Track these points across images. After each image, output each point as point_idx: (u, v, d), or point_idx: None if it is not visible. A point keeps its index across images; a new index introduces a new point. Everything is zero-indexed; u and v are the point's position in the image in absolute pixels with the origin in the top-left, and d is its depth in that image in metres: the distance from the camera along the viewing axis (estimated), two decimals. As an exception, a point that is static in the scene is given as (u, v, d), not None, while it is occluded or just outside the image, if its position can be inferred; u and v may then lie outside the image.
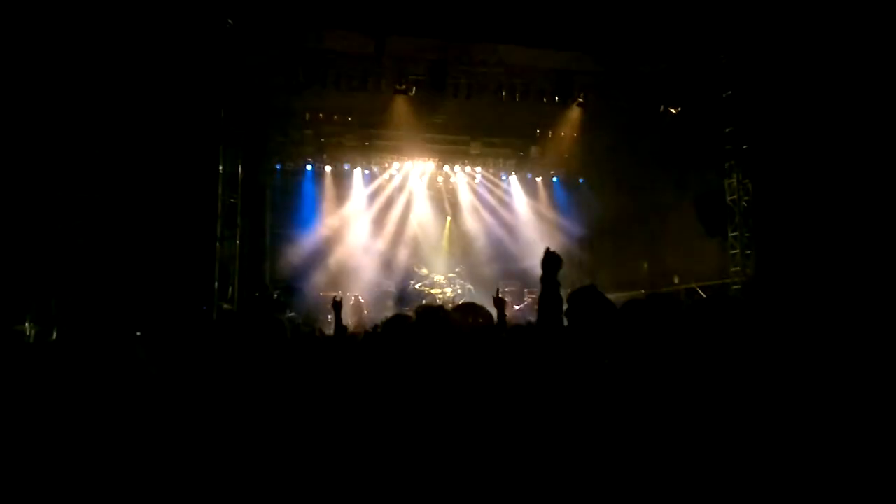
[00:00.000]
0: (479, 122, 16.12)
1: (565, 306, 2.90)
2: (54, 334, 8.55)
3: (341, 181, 17.32)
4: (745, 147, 13.27)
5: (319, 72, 12.50)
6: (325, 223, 16.78)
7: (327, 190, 17.05)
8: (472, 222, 19.45)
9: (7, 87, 9.39)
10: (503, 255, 17.93)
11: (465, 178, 19.10)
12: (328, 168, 17.15)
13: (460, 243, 18.90)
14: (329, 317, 15.63)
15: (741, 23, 11.29)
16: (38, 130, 9.83)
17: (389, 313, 12.88)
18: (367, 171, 17.64)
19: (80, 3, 9.74)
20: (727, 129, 13.67)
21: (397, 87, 13.03)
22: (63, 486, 1.21)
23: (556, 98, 13.80)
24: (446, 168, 18.60)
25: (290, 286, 15.20)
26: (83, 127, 10.31)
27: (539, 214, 18.61)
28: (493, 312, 3.73)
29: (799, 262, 10.72)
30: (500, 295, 4.70)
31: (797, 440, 1.49)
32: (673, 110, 14.06)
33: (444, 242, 19.18)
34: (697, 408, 1.65)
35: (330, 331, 10.70)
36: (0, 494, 1.16)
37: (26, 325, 8.46)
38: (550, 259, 2.99)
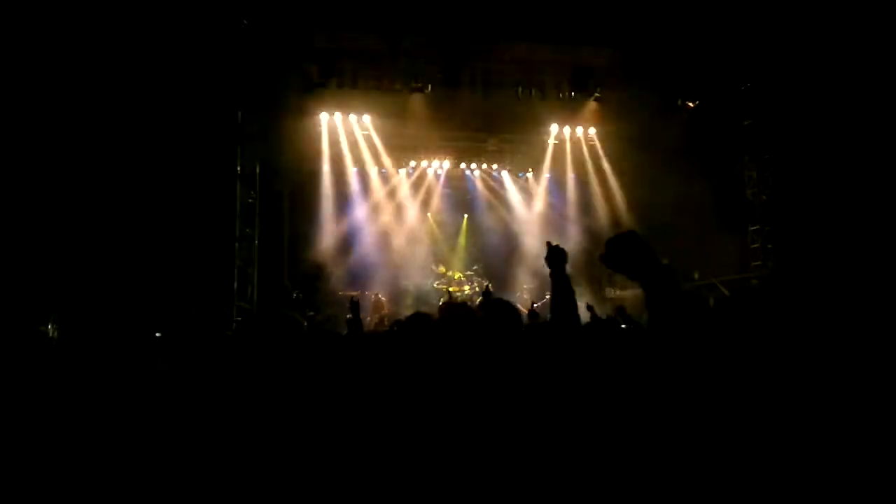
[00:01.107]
0: (496, 119, 16.06)
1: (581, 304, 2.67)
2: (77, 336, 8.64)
3: (359, 180, 17.32)
4: (764, 140, 13.14)
5: (335, 71, 12.52)
6: (344, 222, 16.81)
7: (346, 189, 17.05)
8: (490, 220, 19.42)
9: (28, 89, 9.50)
10: (521, 253, 17.88)
11: (481, 176, 19.07)
12: (346, 167, 17.15)
13: (478, 241, 18.87)
14: (349, 316, 15.67)
15: (759, 14, 11.16)
16: (61, 133, 9.94)
17: (408, 311, 12.91)
18: (384, 170, 17.64)
19: (103, 6, 9.83)
20: (746, 122, 13.54)
21: (413, 84, 13.02)
22: (82, 481, 1.22)
23: (573, 93, 13.72)
24: (463, 166, 18.56)
25: (310, 286, 15.26)
26: (105, 130, 10.41)
27: (556, 211, 18.54)
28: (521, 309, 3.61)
29: (820, 256, 10.60)
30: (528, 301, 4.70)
31: (828, 439, 1.46)
32: (691, 104, 13.93)
33: (462, 240, 19.17)
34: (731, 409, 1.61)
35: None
36: (22, 489, 1.18)
37: (49, 326, 8.56)
38: (554, 253, 2.75)
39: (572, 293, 2.57)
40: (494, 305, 3.26)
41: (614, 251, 2.15)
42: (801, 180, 11.66)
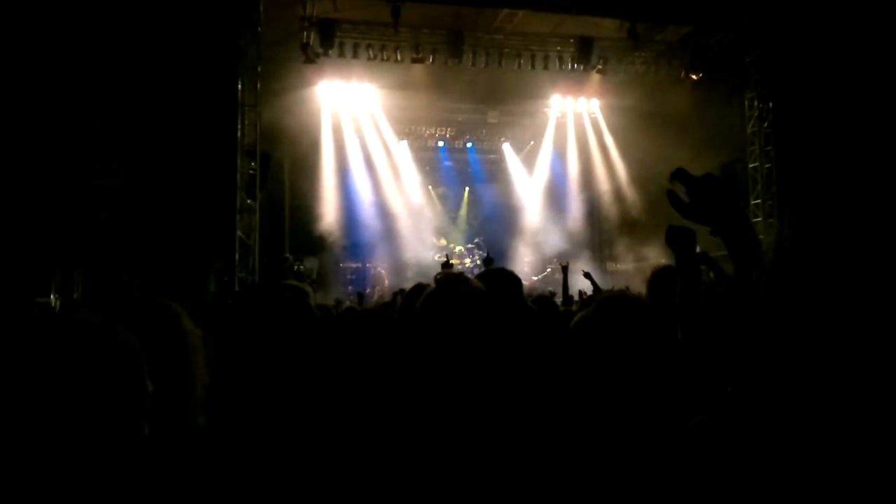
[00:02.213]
0: (498, 91, 15.95)
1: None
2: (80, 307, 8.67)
3: (360, 151, 17.24)
4: (767, 114, 13.07)
5: (336, 41, 12.39)
6: (344, 194, 16.78)
7: (346, 160, 16.98)
8: (491, 192, 19.39)
9: (33, 66, 9.44)
10: (521, 226, 17.87)
11: (483, 148, 18.99)
12: (347, 139, 17.06)
13: (479, 214, 18.86)
14: (350, 288, 15.76)
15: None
16: (61, 106, 9.89)
17: (409, 284, 12.95)
18: (385, 141, 17.56)
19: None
20: (749, 95, 13.45)
21: (414, 56, 12.90)
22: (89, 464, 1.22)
23: (576, 65, 13.59)
24: (466, 137, 18.48)
25: (311, 257, 15.29)
26: (104, 100, 10.35)
27: (557, 185, 18.49)
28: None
29: (826, 232, 10.57)
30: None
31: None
32: (694, 76, 13.82)
33: (463, 213, 19.15)
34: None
35: (348, 302, 10.79)
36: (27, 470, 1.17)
37: (51, 296, 8.58)
38: (677, 235, 2.22)
39: (700, 285, 2.13)
40: (494, 275, 3.11)
41: (698, 196, 1.70)
42: (805, 153, 11.60)
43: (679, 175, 1.75)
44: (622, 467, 2.01)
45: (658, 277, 3.19)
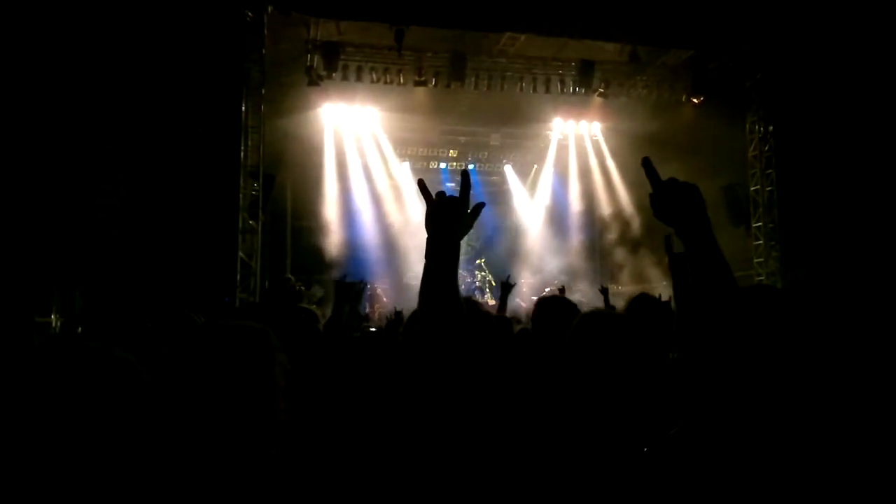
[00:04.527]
0: (500, 114, 16.03)
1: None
2: (79, 328, 8.66)
3: (363, 174, 17.29)
4: (768, 137, 13.12)
5: (339, 63, 12.49)
6: (346, 215, 16.81)
7: (348, 182, 17.03)
8: (493, 214, 19.40)
9: (36, 83, 9.50)
10: (524, 248, 17.89)
11: (485, 170, 19.06)
12: (349, 161, 17.12)
13: (480, 235, 18.86)
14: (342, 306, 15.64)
15: (764, 10, 11.11)
16: (63, 122, 9.94)
17: (410, 305, 12.91)
18: (388, 164, 17.61)
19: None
20: (750, 119, 13.52)
21: (417, 78, 12.98)
22: (80, 478, 1.21)
23: (578, 89, 13.66)
24: (468, 159, 18.54)
25: (312, 278, 15.27)
26: (106, 120, 10.41)
27: (558, 207, 18.53)
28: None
29: (824, 254, 10.58)
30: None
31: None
32: (695, 100, 13.88)
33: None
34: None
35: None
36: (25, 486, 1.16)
37: (52, 317, 8.58)
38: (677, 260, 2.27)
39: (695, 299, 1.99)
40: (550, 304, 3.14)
41: (670, 195, 1.73)
42: (806, 177, 11.63)
43: (646, 164, 1.78)
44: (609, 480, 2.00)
45: (634, 305, 3.27)
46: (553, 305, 3.10)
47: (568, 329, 2.33)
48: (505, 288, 5.38)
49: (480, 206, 2.05)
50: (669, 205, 1.72)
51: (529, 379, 2.23)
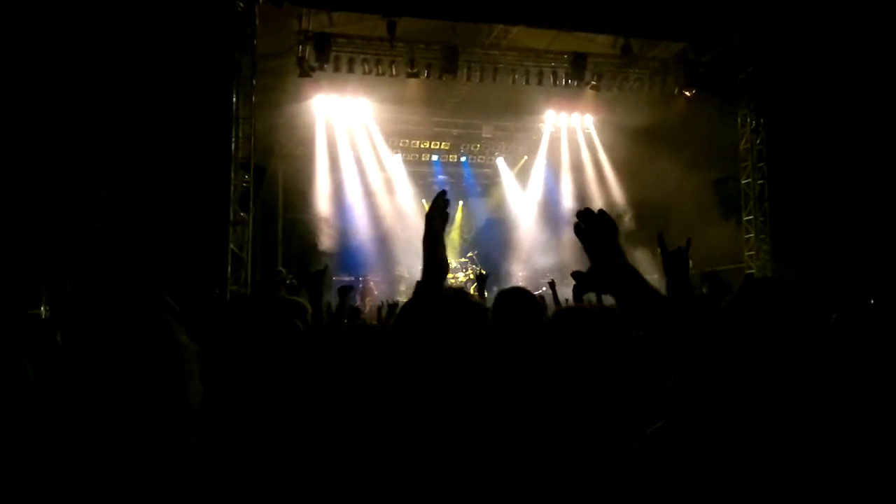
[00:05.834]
0: (492, 106, 16.00)
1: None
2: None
3: (355, 166, 17.23)
4: (760, 130, 13.16)
5: (331, 55, 12.43)
6: (338, 207, 16.77)
7: (340, 174, 16.98)
8: (485, 207, 19.42)
9: (26, 76, 9.42)
10: (516, 241, 17.89)
11: (477, 162, 19.03)
12: (341, 152, 17.03)
13: (472, 228, 18.87)
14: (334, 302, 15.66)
15: (756, 3, 11.13)
16: (52, 114, 9.86)
17: (402, 298, 12.92)
18: (379, 156, 17.56)
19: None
20: (742, 112, 13.55)
21: (409, 70, 12.93)
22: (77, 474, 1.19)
23: (570, 81, 13.64)
24: (460, 151, 18.52)
25: (303, 271, 15.22)
26: (96, 111, 10.33)
27: (550, 200, 18.52)
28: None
29: (815, 247, 10.64)
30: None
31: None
32: (688, 93, 13.89)
33: (456, 227, 19.15)
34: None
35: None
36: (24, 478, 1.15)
37: (42, 308, 8.52)
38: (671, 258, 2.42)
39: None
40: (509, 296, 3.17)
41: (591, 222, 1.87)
42: (797, 170, 11.68)
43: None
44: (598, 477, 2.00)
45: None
46: (512, 298, 3.14)
47: (528, 321, 2.39)
48: (480, 280, 5.57)
49: (441, 195, 2.23)
50: (588, 231, 1.85)
51: (498, 371, 2.24)
